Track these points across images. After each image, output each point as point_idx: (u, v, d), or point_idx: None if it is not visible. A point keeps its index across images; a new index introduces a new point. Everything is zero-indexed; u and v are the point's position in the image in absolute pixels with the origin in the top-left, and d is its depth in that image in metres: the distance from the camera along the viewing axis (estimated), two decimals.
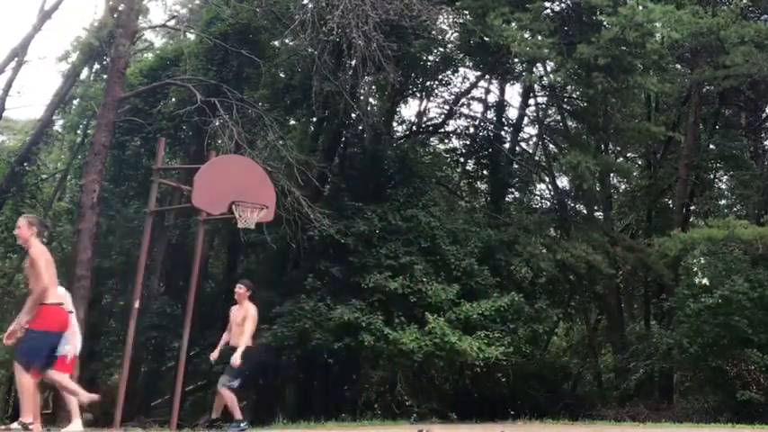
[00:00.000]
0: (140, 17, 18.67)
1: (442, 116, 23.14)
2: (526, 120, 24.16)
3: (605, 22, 16.99)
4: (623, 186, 26.47)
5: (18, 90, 31.45)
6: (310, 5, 16.87)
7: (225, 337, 9.78)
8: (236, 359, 9.24)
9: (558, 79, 18.06)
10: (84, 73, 23.06)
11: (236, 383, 9.41)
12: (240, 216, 10.79)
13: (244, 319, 9.55)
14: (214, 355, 9.78)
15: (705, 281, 18.82)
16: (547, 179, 24.91)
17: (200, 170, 10.99)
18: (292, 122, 21.16)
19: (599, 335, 24.99)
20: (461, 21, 19.49)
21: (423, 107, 23.80)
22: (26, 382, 6.88)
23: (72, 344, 8.40)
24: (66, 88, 21.87)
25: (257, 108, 17.28)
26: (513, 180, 22.99)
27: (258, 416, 15.81)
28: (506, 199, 23.18)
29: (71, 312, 7.88)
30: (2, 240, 22.09)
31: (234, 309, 9.80)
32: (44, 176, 23.85)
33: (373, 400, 19.71)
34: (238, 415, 9.47)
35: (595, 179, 21.38)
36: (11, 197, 21.52)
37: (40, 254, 7.03)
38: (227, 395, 9.39)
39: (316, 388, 20.16)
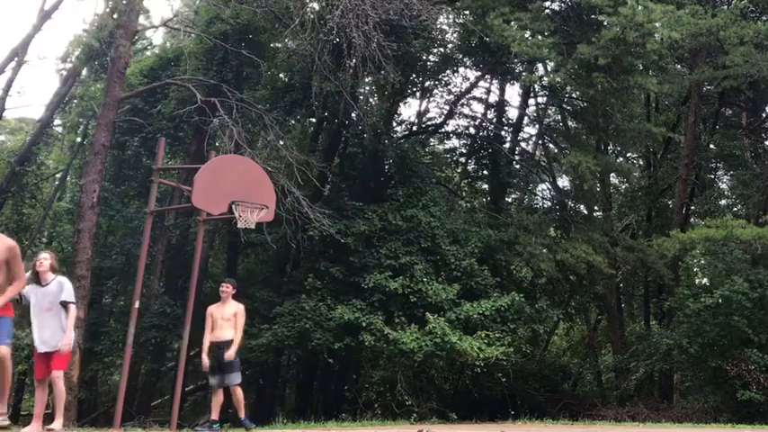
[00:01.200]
0: (140, 17, 18.69)
1: (442, 116, 23.16)
2: (526, 120, 24.18)
3: (605, 22, 16.98)
4: (623, 186, 26.47)
5: (18, 90, 31.59)
6: (310, 5, 16.88)
7: (209, 337, 9.77)
8: (231, 354, 9.45)
9: (558, 79, 18.04)
10: (84, 73, 23.07)
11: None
12: (240, 216, 10.79)
13: (234, 315, 9.72)
14: (206, 362, 9.72)
15: (705, 281, 18.80)
16: (547, 179, 24.91)
17: (200, 170, 10.99)
18: (292, 122, 21.17)
19: (599, 335, 24.98)
20: (461, 21, 19.49)
21: (423, 107, 23.83)
22: None
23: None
24: (66, 88, 21.87)
25: (257, 108, 17.29)
26: (513, 180, 22.99)
27: (258, 416, 15.80)
28: (506, 199, 23.18)
29: (73, 303, 7.78)
30: None
31: (215, 306, 9.91)
32: (44, 176, 23.85)
33: (373, 400, 19.69)
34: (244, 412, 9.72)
35: (595, 179, 21.37)
36: (11, 197, 21.53)
37: None
38: (240, 393, 9.58)
39: (316, 388, 20.17)
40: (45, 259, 7.84)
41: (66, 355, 7.75)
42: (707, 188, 25.07)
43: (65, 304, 7.74)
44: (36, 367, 7.92)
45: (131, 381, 16.00)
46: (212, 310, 9.88)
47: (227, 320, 9.73)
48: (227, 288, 9.97)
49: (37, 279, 7.85)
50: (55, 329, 7.68)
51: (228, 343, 9.59)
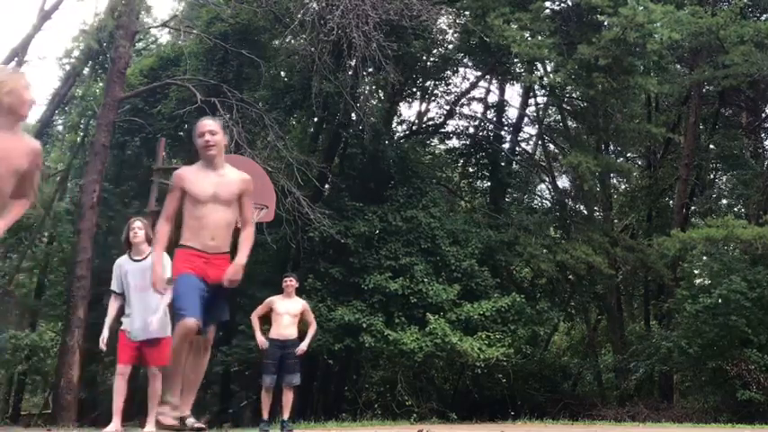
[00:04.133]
0: (140, 17, 18.70)
1: (442, 116, 23.16)
2: (526, 120, 24.18)
3: (606, 23, 16.99)
4: (623, 186, 26.47)
5: None
6: (311, 5, 16.88)
7: (271, 333, 9.29)
8: (304, 348, 9.17)
9: (558, 79, 18.04)
10: (85, 73, 23.07)
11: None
12: None
13: (301, 312, 9.37)
14: (262, 339, 9.26)
15: (707, 281, 18.79)
16: (547, 179, 24.91)
17: None
18: (292, 123, 21.16)
19: (599, 335, 24.99)
20: (461, 21, 19.49)
21: (423, 107, 23.82)
22: None
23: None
24: (66, 88, 21.87)
25: (257, 108, 17.28)
26: (513, 180, 22.99)
27: (258, 416, 15.80)
28: (506, 199, 23.19)
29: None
30: (2, 240, 22.08)
31: (278, 299, 9.38)
32: (44, 177, 23.83)
33: (373, 400, 19.70)
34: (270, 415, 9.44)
35: (595, 179, 21.37)
36: None
37: None
38: (292, 395, 9.26)
39: (316, 388, 20.16)
40: (139, 228, 6.97)
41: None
42: (707, 188, 25.06)
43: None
44: (125, 354, 7.13)
45: (131, 381, 15.97)
46: (275, 303, 9.32)
47: (293, 316, 9.29)
48: (291, 282, 9.43)
49: (131, 252, 6.92)
50: (156, 312, 6.66)
51: (295, 342, 9.22)
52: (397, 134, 22.45)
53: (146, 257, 6.79)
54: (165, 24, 19.74)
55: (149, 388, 7.05)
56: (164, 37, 25.13)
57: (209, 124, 5.13)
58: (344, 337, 16.06)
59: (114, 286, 7.09)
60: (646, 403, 17.88)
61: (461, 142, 23.81)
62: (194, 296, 4.84)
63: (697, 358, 17.04)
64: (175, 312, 4.97)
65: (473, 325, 16.30)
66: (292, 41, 18.75)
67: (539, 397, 19.52)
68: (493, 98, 23.84)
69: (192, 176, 5.10)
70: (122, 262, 7.03)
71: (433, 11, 16.90)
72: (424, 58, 20.34)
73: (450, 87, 22.67)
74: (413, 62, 19.46)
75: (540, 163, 25.06)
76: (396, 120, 22.95)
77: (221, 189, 5.06)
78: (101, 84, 21.44)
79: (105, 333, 7.37)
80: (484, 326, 16.33)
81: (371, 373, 19.80)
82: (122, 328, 7.15)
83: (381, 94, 22.21)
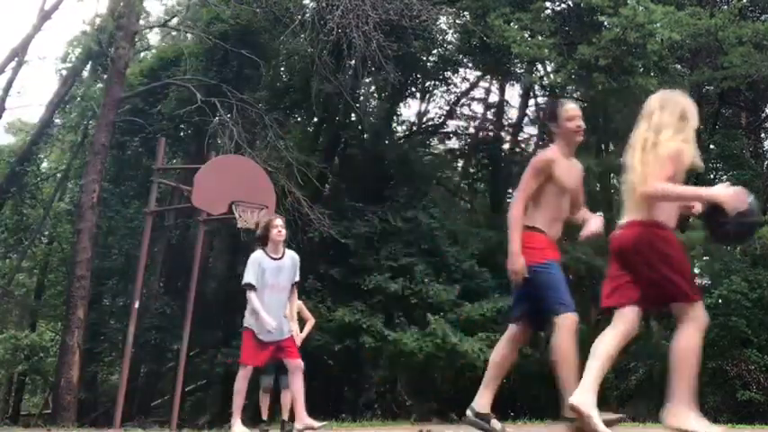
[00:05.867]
0: (140, 19, 18.70)
1: (442, 116, 23.16)
2: (526, 120, 24.18)
3: (606, 23, 16.99)
4: (623, 186, 26.44)
5: (18, 90, 31.59)
6: (310, 5, 16.89)
7: None
8: (300, 337, 9.12)
9: (559, 80, 18.06)
10: (85, 73, 23.07)
11: None
12: (240, 216, 10.82)
13: (297, 312, 9.47)
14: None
15: (707, 281, 18.78)
16: None
17: (200, 170, 11.02)
18: (292, 123, 21.17)
19: (599, 335, 24.97)
20: (461, 21, 19.49)
21: (423, 107, 23.83)
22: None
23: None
24: (66, 88, 21.86)
25: (257, 108, 17.30)
26: (514, 180, 22.96)
27: (258, 416, 15.80)
28: (507, 199, 23.18)
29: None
30: (2, 240, 22.11)
31: None
32: (44, 177, 23.86)
33: (373, 401, 19.70)
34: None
35: (595, 179, 21.35)
36: (11, 197, 21.54)
37: None
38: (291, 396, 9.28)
39: (316, 388, 20.15)
40: (282, 227, 6.74)
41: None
42: None
43: (293, 284, 6.81)
44: (254, 356, 6.69)
45: (131, 381, 15.98)
46: None
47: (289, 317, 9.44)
48: None
49: (268, 249, 6.75)
50: (283, 313, 6.67)
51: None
52: (397, 134, 22.44)
53: (282, 257, 6.74)
54: (165, 24, 19.75)
55: (293, 384, 6.77)
56: (162, 38, 25.13)
57: (578, 108, 4.76)
58: (344, 338, 16.06)
59: (253, 280, 6.76)
60: (646, 403, 17.87)
61: (461, 142, 23.82)
62: (566, 288, 4.55)
63: None
64: (551, 304, 4.57)
65: (474, 326, 16.29)
66: (292, 41, 18.75)
67: (539, 397, 19.51)
68: (493, 98, 23.87)
69: (563, 164, 4.67)
70: (260, 258, 6.80)
71: (433, 11, 16.90)
72: (424, 58, 20.33)
73: (450, 87, 22.68)
74: (413, 62, 19.45)
75: None
76: (396, 120, 22.96)
77: (577, 181, 4.82)
78: (101, 84, 21.44)
79: (272, 321, 6.57)
80: (484, 326, 16.32)
81: (371, 373, 19.78)
82: (248, 326, 6.74)
83: (381, 95, 22.21)
